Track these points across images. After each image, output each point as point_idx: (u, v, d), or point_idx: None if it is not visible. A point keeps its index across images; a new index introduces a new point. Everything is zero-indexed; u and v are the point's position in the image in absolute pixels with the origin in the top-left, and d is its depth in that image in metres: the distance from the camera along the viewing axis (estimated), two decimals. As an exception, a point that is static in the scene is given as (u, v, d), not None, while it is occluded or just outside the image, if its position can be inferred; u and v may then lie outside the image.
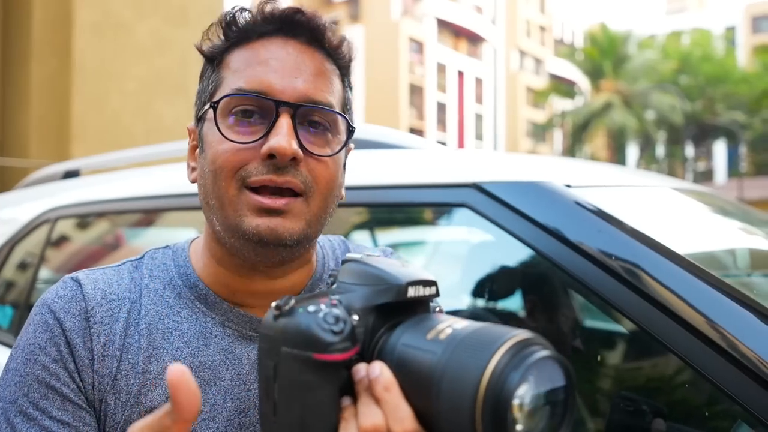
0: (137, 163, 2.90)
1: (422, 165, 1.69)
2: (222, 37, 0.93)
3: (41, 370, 0.87)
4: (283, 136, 0.85)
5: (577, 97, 42.89)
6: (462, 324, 0.61)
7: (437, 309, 0.71)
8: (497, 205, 1.44)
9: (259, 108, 0.88)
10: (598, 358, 1.68)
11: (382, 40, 46.01)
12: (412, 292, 0.66)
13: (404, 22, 47.12)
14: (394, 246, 2.61)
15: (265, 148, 0.85)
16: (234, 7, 0.93)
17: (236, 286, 0.95)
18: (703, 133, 37.09)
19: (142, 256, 1.01)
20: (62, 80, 10.18)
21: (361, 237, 2.17)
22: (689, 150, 38.37)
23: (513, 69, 55.26)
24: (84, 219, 2.75)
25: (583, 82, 43.01)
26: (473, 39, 53.69)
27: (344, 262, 0.72)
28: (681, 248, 1.32)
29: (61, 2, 10.21)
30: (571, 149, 39.11)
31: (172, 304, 0.94)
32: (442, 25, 50.82)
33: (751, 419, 1.09)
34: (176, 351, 0.91)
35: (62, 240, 2.76)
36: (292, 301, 0.64)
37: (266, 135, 0.87)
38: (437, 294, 0.69)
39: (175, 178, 2.33)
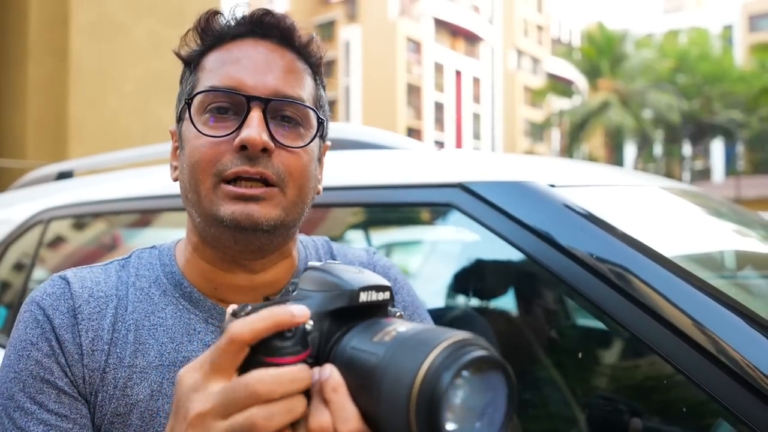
0: (131, 164, 2.91)
1: (408, 165, 1.70)
2: (198, 42, 0.98)
3: (34, 365, 0.89)
4: (254, 128, 0.88)
5: (574, 96, 42.87)
6: (408, 326, 0.62)
7: (397, 314, 0.72)
8: (482, 204, 1.45)
9: (233, 104, 0.92)
10: (580, 356, 1.69)
11: (379, 39, 45.99)
12: (364, 297, 0.68)
13: (401, 21, 47.10)
14: (382, 246, 2.62)
15: (237, 141, 0.89)
16: (207, 11, 0.96)
17: (219, 281, 0.98)
18: (700, 131, 37.11)
19: (129, 256, 1.04)
20: (59, 81, 10.16)
21: (348, 237, 2.18)
22: (687, 149, 38.37)
23: (510, 68, 55.24)
24: (77, 220, 2.76)
25: (580, 81, 42.99)
26: (470, 38, 53.68)
27: (305, 270, 0.74)
28: (665, 248, 1.32)
29: (58, 3, 10.19)
30: (568, 148, 39.10)
31: (158, 302, 0.97)
32: (440, 24, 50.80)
33: (732, 419, 1.10)
34: (161, 346, 0.94)
35: (56, 241, 2.77)
36: (249, 308, 0.66)
37: (239, 129, 0.90)
38: (391, 298, 0.71)
39: (168, 179, 2.34)
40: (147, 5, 10.88)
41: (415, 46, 48.32)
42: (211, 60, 0.96)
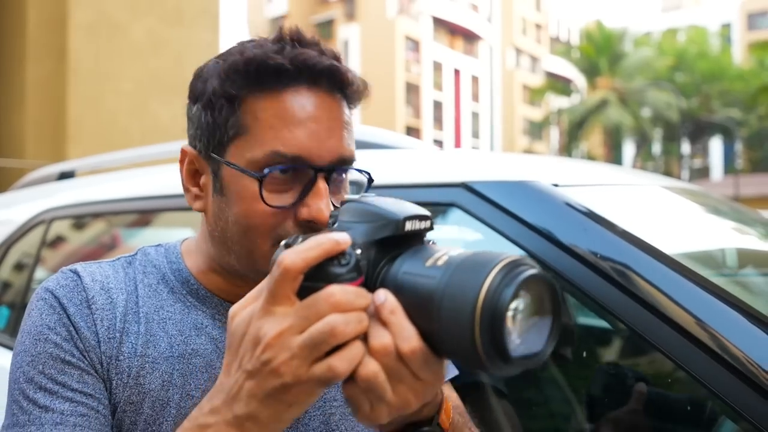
0: (132, 164, 2.92)
1: (412, 165, 1.70)
2: (243, 79, 0.89)
3: (54, 347, 0.90)
4: (323, 203, 0.87)
5: (573, 94, 42.89)
6: (457, 251, 0.67)
7: (431, 242, 0.75)
8: (486, 204, 1.45)
9: (295, 169, 0.89)
10: (584, 355, 1.70)
11: (378, 38, 45.97)
12: (409, 225, 0.71)
13: (400, 20, 47.07)
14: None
15: (305, 215, 0.88)
16: (255, 45, 0.91)
17: (229, 289, 1.00)
18: (699, 130, 37.14)
19: (135, 253, 1.05)
20: (58, 81, 10.14)
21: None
22: (685, 147, 38.37)
23: (509, 67, 55.22)
24: (79, 220, 2.76)
25: (579, 79, 42.99)
26: (469, 37, 53.67)
27: (343, 203, 0.77)
28: (666, 246, 1.33)
29: (56, 3, 10.17)
30: (567, 147, 39.12)
31: (166, 298, 0.99)
32: (438, 23, 50.78)
33: (735, 416, 1.11)
34: (171, 338, 0.96)
35: (58, 241, 2.77)
36: (300, 239, 0.71)
37: (302, 198, 0.88)
38: (432, 228, 0.74)
39: (170, 179, 2.34)
40: (145, 4, 10.87)
41: (414, 45, 48.29)
42: (266, 110, 0.89)
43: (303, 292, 0.68)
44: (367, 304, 0.68)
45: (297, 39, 0.91)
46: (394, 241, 0.71)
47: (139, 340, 0.94)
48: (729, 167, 41.31)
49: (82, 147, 9.56)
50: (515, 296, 0.62)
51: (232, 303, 0.98)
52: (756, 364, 1.06)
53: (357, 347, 0.67)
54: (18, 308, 2.58)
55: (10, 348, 2.35)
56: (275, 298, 0.68)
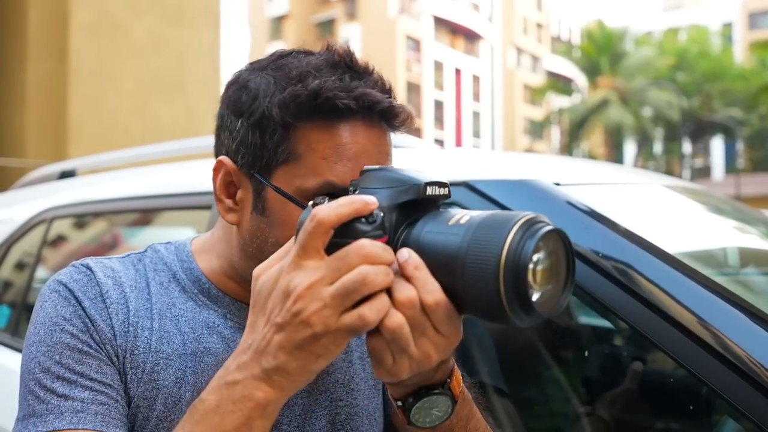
0: (133, 163, 2.92)
1: (413, 164, 1.70)
2: (304, 110, 0.89)
3: (70, 337, 0.89)
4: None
5: (574, 94, 42.88)
6: (476, 212, 0.71)
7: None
8: (487, 203, 1.45)
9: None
10: (586, 354, 1.69)
11: (378, 38, 45.98)
12: (429, 190, 0.76)
13: (401, 19, 47.08)
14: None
15: None
16: (311, 67, 0.91)
17: (240, 292, 1.00)
18: (700, 129, 37.13)
19: (145, 251, 1.05)
20: (59, 80, 10.16)
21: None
22: (686, 147, 38.36)
23: (510, 66, 55.23)
24: (80, 219, 2.76)
25: (580, 79, 43.00)
26: (470, 36, 53.68)
27: (362, 173, 0.80)
28: (668, 245, 1.33)
29: (57, 2, 10.18)
30: (568, 146, 39.12)
31: (178, 296, 0.99)
32: (439, 22, 50.79)
33: (737, 415, 1.10)
34: (183, 335, 0.96)
35: (59, 240, 2.77)
36: (327, 199, 0.76)
37: None
38: (449, 195, 0.79)
39: (171, 178, 2.34)
40: (146, 4, 10.88)
41: (415, 44, 48.31)
42: (321, 141, 0.89)
43: (331, 248, 0.71)
44: (393, 259, 0.71)
45: (350, 63, 0.93)
46: (415, 205, 0.75)
47: (153, 336, 0.94)
48: (730, 167, 41.31)
49: (83, 146, 9.57)
50: (536, 250, 0.66)
51: (244, 303, 0.99)
52: (758, 363, 1.05)
53: (384, 298, 0.69)
54: (19, 308, 2.58)
55: (10, 347, 2.35)
56: (306, 252, 0.71)
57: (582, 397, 1.57)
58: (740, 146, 37.42)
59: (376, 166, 0.81)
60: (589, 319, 1.82)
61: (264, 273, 0.75)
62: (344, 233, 0.71)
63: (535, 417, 1.63)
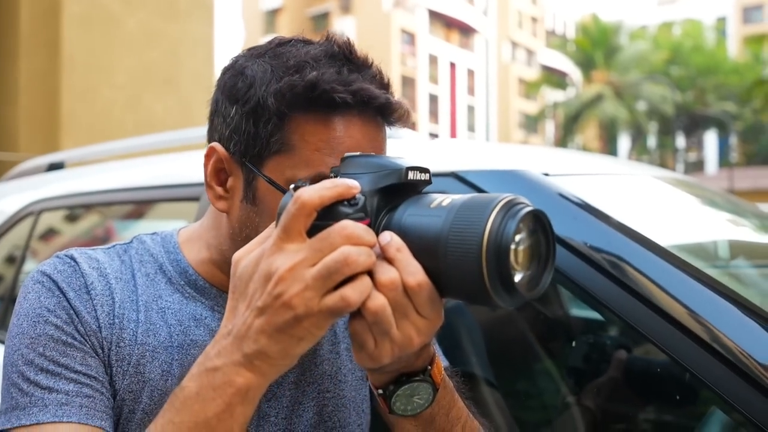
0: (122, 155, 2.90)
1: (401, 155, 1.69)
2: (300, 101, 0.87)
3: (54, 329, 0.88)
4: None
5: (568, 88, 42.95)
6: (457, 195, 0.72)
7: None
8: (476, 193, 1.44)
9: None
10: (573, 345, 1.69)
11: (373, 31, 45.90)
12: (411, 175, 0.76)
13: (396, 13, 47.02)
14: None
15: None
16: (309, 57, 0.89)
17: (227, 283, 0.98)
18: (694, 123, 37.21)
19: (131, 242, 1.04)
20: (51, 74, 10.10)
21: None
22: (680, 140, 38.48)
23: (505, 60, 55.24)
24: (69, 211, 2.75)
25: (574, 73, 43.06)
26: (465, 30, 53.64)
27: (343, 159, 0.80)
28: (659, 237, 1.32)
29: (50, -5, 10.14)
30: (563, 140, 39.18)
31: (164, 288, 0.98)
32: (434, 16, 50.74)
33: (726, 407, 1.10)
34: (170, 328, 0.95)
35: (47, 232, 2.75)
36: (308, 183, 0.75)
37: None
38: (430, 181, 0.79)
39: (160, 169, 2.33)
40: (139, -3, 10.83)
41: (410, 38, 48.26)
42: (315, 133, 0.88)
43: (313, 231, 0.70)
44: (375, 241, 0.71)
45: (349, 55, 0.92)
46: (397, 190, 0.76)
47: (139, 328, 0.93)
48: (724, 161, 41.40)
49: (75, 140, 9.53)
50: (517, 231, 0.66)
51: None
52: (748, 355, 1.05)
53: (366, 280, 0.69)
54: (7, 300, 2.57)
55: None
56: (288, 234, 0.70)
57: (572, 389, 1.56)
58: (734, 140, 37.49)
59: (357, 153, 0.80)
60: (579, 310, 1.82)
61: (244, 257, 0.74)
62: (326, 216, 0.71)
63: (526, 409, 1.62)
